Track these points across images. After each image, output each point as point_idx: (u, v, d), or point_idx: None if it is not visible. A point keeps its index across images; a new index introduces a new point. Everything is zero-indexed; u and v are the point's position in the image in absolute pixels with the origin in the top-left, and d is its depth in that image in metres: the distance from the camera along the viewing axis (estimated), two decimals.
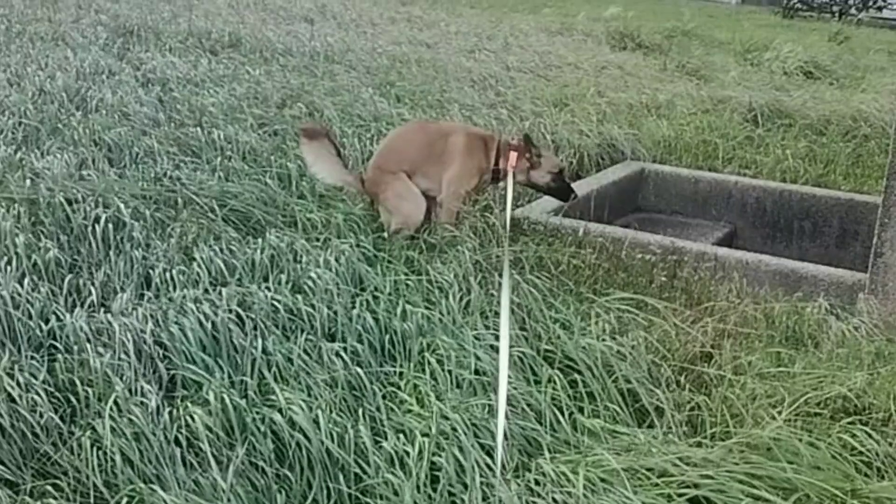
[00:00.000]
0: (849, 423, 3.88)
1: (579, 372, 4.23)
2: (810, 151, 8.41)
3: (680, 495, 3.34)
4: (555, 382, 4.10)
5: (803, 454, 3.54)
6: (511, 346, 4.32)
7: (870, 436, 3.78)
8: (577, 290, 5.27)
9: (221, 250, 5.06)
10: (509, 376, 4.04)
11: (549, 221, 6.43)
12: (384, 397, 3.96)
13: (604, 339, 4.45)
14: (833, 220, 7.29)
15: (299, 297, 4.57)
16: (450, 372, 4.12)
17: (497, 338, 4.39)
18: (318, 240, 5.36)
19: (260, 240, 5.19)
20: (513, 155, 5.77)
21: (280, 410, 3.67)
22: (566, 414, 3.94)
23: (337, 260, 5.00)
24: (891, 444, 3.80)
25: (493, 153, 5.85)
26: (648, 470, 3.47)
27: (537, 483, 3.40)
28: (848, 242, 7.20)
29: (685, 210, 7.90)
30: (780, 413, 3.85)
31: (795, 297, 5.39)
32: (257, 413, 3.69)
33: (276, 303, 4.51)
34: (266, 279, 4.84)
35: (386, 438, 3.60)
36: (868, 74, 13.27)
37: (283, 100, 8.35)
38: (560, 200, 6.19)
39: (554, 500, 3.28)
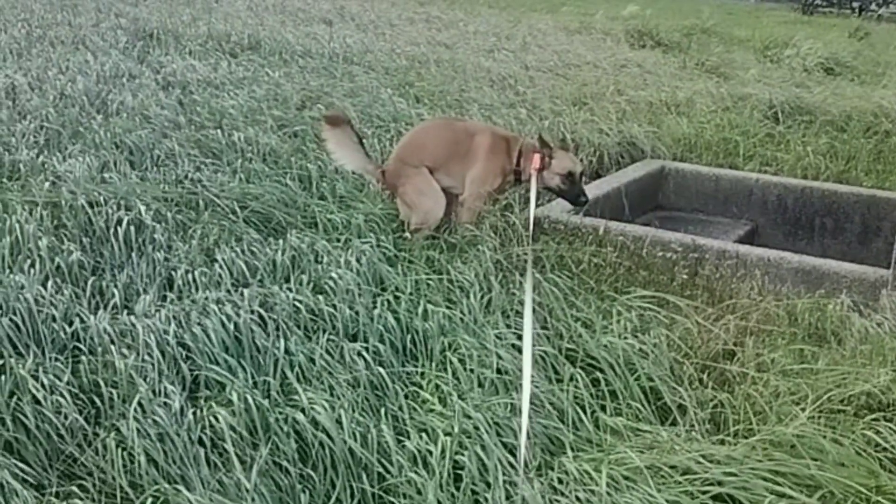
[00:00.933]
0: (873, 419, 3.86)
1: (601, 370, 4.23)
2: (831, 148, 8.37)
3: (703, 493, 3.33)
4: (577, 381, 4.10)
5: (828, 451, 3.52)
6: (533, 346, 4.32)
7: (894, 432, 3.76)
8: (598, 289, 5.27)
9: (243, 251, 5.08)
10: (532, 375, 4.04)
11: (569, 220, 6.42)
12: (406, 397, 3.97)
13: (625, 338, 4.45)
14: (855, 216, 7.24)
15: (321, 297, 4.58)
16: (471, 371, 4.12)
17: (519, 337, 4.40)
18: (338, 240, 5.38)
19: (281, 241, 5.21)
20: (536, 157, 5.71)
21: (303, 410, 3.68)
22: (588, 412, 3.94)
23: (358, 260, 5.01)
24: None
25: (515, 154, 5.83)
26: (672, 468, 3.47)
27: (560, 482, 3.40)
28: (870, 239, 7.15)
29: (706, 208, 7.87)
30: (803, 410, 3.83)
31: (818, 294, 5.36)
32: (280, 413, 3.70)
33: (297, 303, 4.52)
34: (287, 280, 4.85)
35: (409, 438, 3.61)
36: (889, 70, 13.20)
37: (302, 101, 8.37)
38: (570, 204, 6.09)
39: (577, 498, 3.28)
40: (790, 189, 7.55)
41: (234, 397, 3.71)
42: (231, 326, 4.25)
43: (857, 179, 7.67)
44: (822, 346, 4.68)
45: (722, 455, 3.52)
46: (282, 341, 4.18)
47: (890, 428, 3.78)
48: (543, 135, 5.92)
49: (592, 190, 7.23)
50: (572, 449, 3.67)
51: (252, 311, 4.39)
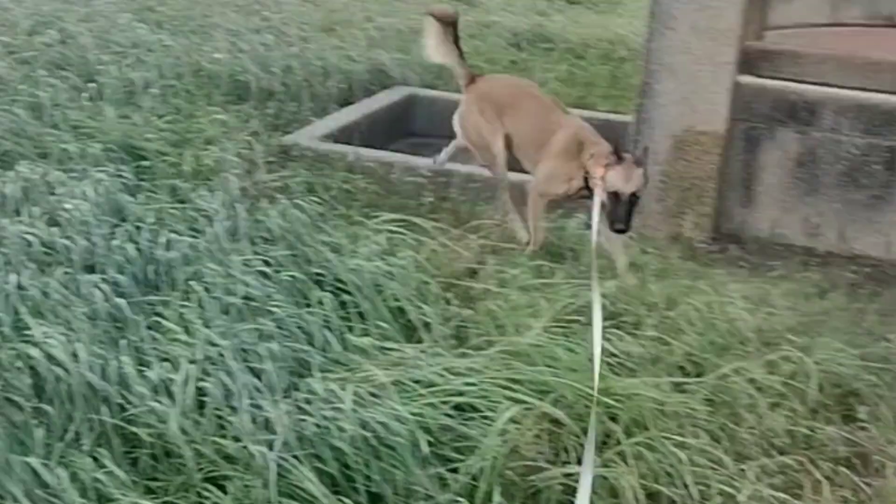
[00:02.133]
0: (604, 328, 4.09)
1: (349, 293, 4.27)
2: (571, 74, 8.66)
3: (446, 403, 3.44)
4: (325, 304, 4.12)
5: (561, 358, 3.70)
6: (279, 271, 4.32)
7: (622, 338, 4.00)
8: (347, 214, 5.31)
9: None
10: (279, 302, 4.05)
11: (318, 148, 6.40)
12: (149, 327, 3.88)
13: (373, 260, 4.50)
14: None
15: (55, 229, 4.41)
16: (217, 299, 4.07)
17: (266, 262, 4.39)
18: (74, 171, 5.16)
19: (11, 172, 4.95)
20: (599, 168, 4.80)
21: (37, 345, 3.53)
22: (336, 334, 3.98)
23: (95, 191, 4.83)
24: (642, 346, 4.04)
25: (586, 160, 4.94)
26: (416, 382, 3.56)
27: (307, 402, 3.42)
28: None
29: (455, 133, 7.98)
30: (539, 322, 4.00)
31: (558, 213, 5.58)
32: (12, 349, 3.54)
33: (29, 236, 4.33)
34: (18, 213, 4.63)
35: (151, 368, 3.53)
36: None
37: (33, 26, 7.92)
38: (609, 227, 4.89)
39: (324, 416, 3.31)
40: None
41: None
42: None
43: (595, 104, 7.97)
44: (560, 262, 4.90)
45: (463, 367, 3.65)
46: (13, 276, 3.99)
47: (617, 335, 4.01)
48: (620, 144, 4.91)
49: (343, 117, 7.25)
50: (320, 370, 3.70)
51: None
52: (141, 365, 3.57)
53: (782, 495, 3.34)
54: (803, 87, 5.80)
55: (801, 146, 5.79)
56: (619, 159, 4.73)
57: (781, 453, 3.61)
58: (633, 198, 4.72)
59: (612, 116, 7.54)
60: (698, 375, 3.97)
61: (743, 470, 3.44)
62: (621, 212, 4.70)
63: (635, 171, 4.70)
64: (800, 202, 5.86)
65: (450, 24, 5.54)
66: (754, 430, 3.69)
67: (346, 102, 7.65)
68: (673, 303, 4.49)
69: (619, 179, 4.69)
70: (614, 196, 4.69)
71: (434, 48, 5.65)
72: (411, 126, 8.07)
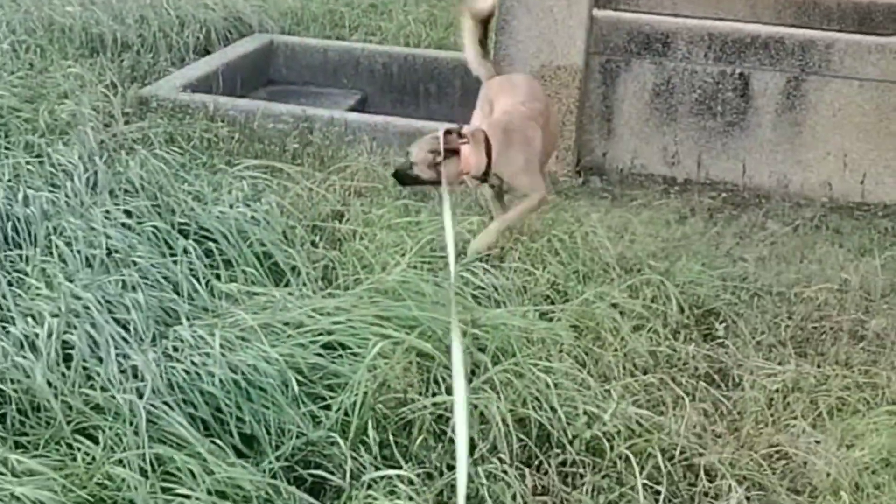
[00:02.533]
0: (470, 262, 4.17)
1: (215, 241, 4.24)
2: (431, 16, 8.66)
3: (314, 342, 3.47)
4: (190, 253, 4.09)
5: (427, 293, 3.76)
6: (142, 222, 4.27)
7: (487, 271, 4.08)
8: (210, 163, 5.26)
9: None
10: (143, 253, 4.01)
11: (177, 98, 6.30)
12: (10, 284, 3.80)
13: (238, 207, 4.48)
14: (455, 80, 7.59)
15: None
16: (79, 252, 4.00)
17: (128, 213, 4.33)
18: None
19: None
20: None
21: None
22: (203, 282, 3.95)
23: None
24: (507, 278, 4.13)
25: None
26: (285, 324, 3.57)
27: (175, 349, 3.41)
28: (470, 100, 7.51)
29: (316, 80, 7.95)
30: (404, 259, 4.05)
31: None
32: None
33: None
34: None
35: (14, 324, 3.47)
36: None
37: None
38: None
39: (193, 362, 3.30)
40: (395, 57, 7.78)
41: None
42: None
43: (456, 45, 7.99)
44: (425, 201, 4.95)
45: (332, 307, 3.67)
46: None
47: (484, 268, 4.09)
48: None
49: (202, 66, 7.14)
50: (188, 318, 3.68)
51: None
52: (3, 322, 3.51)
53: (646, 412, 3.47)
54: (657, 19, 5.95)
55: (656, 77, 5.95)
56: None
57: (644, 373, 3.76)
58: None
59: None
60: (563, 303, 4.08)
61: (608, 390, 3.56)
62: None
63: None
64: (658, 132, 6.03)
65: (482, 22, 5.05)
66: (618, 352, 3.82)
67: (204, 52, 7.54)
68: (536, 235, 4.59)
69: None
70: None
71: (469, 49, 5.06)
72: (271, 73, 8.00)
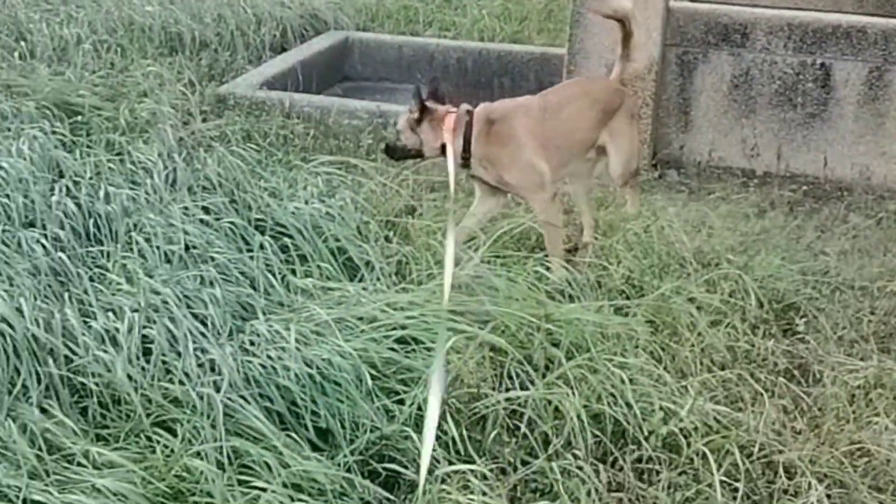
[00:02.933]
0: (543, 256, 4.15)
1: (290, 236, 4.29)
2: (505, 10, 8.63)
3: (388, 337, 3.48)
4: (266, 248, 4.14)
5: (500, 288, 3.75)
6: (220, 218, 4.33)
7: (562, 266, 4.05)
8: (286, 160, 5.31)
9: None
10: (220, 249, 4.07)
11: (254, 95, 6.38)
12: (91, 279, 3.88)
13: (313, 203, 4.52)
14: (529, 74, 7.56)
15: None
16: (158, 248, 4.07)
17: (206, 210, 4.39)
18: (9, 130, 5.11)
19: None
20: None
21: None
22: (279, 277, 4.00)
23: (31, 148, 4.79)
24: (581, 273, 4.10)
25: None
26: (359, 319, 3.60)
27: (252, 343, 3.45)
28: None
29: (391, 76, 7.98)
30: (476, 253, 4.04)
31: None
32: None
33: None
34: None
35: (95, 318, 3.54)
36: None
37: None
38: None
39: (269, 356, 3.34)
40: (469, 52, 7.77)
41: None
42: None
43: (530, 39, 7.98)
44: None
45: (405, 301, 3.69)
46: None
47: (558, 263, 4.07)
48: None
49: (278, 64, 7.21)
50: (264, 313, 3.73)
51: None
52: (85, 316, 3.58)
53: (723, 408, 3.41)
54: (735, 9, 5.84)
55: (735, 68, 5.85)
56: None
57: (722, 368, 3.70)
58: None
59: (549, 50, 7.57)
60: (639, 298, 4.04)
61: (685, 386, 3.52)
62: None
63: None
64: (736, 124, 5.93)
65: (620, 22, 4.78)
66: (695, 347, 3.77)
67: (281, 49, 7.61)
68: (612, 230, 4.55)
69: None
70: None
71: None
72: (347, 70, 8.05)
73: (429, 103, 4.35)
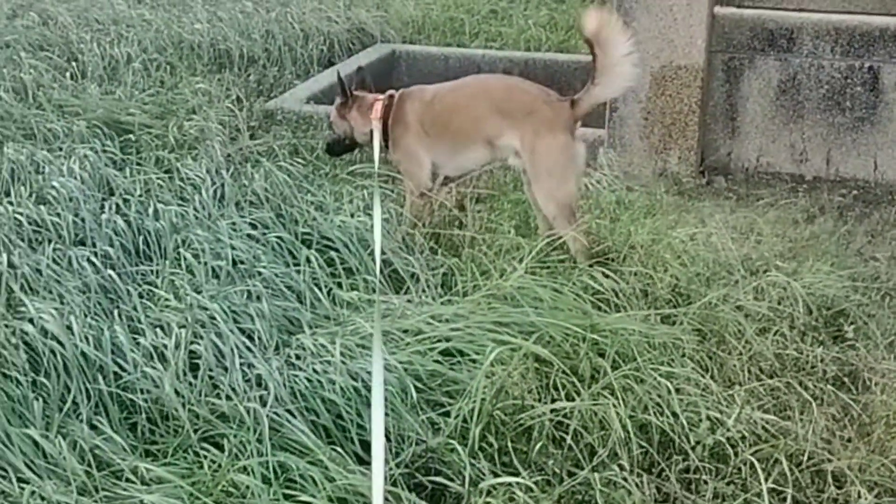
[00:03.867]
0: (588, 266, 4.13)
1: (336, 249, 4.32)
2: (551, 20, 8.64)
3: (433, 349, 3.49)
4: (312, 262, 4.17)
5: (545, 299, 3.74)
6: (266, 233, 4.37)
7: (607, 276, 4.04)
8: (332, 173, 5.34)
9: None
10: (266, 263, 4.10)
11: (302, 110, 6.43)
12: (140, 296, 3.93)
13: (358, 216, 4.54)
14: (576, 83, 7.52)
15: (43, 208, 4.45)
16: (205, 264, 4.12)
17: (253, 225, 4.43)
18: (60, 149, 5.21)
19: None
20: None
21: (31, 321, 3.58)
22: (325, 290, 4.03)
23: (81, 167, 4.87)
24: (626, 282, 4.08)
25: None
26: (404, 331, 3.61)
27: (297, 357, 3.48)
28: None
29: None
30: (521, 264, 4.03)
31: None
32: (7, 326, 3.59)
33: (18, 216, 4.37)
34: (8, 194, 4.67)
35: (144, 335, 3.59)
36: None
37: (13, 10, 7.93)
38: None
39: (315, 370, 3.36)
40: (515, 62, 7.79)
41: None
42: None
43: (577, 48, 7.96)
44: None
45: (450, 313, 3.69)
46: (4, 255, 4.04)
47: (602, 272, 4.05)
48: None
49: (326, 78, 7.26)
50: (310, 326, 3.75)
51: None
52: (134, 333, 3.62)
53: (772, 417, 3.37)
54: (781, 14, 5.80)
55: (782, 73, 5.80)
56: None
57: (770, 377, 3.65)
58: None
59: None
60: (685, 307, 4.01)
61: (732, 395, 3.48)
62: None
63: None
64: (784, 129, 5.89)
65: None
66: (742, 356, 3.73)
67: (328, 64, 7.67)
68: (658, 238, 4.52)
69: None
70: None
71: None
72: (394, 82, 8.07)
73: (357, 92, 4.77)
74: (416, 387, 3.31)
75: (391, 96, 4.70)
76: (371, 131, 4.61)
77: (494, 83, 4.78)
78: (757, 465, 3.10)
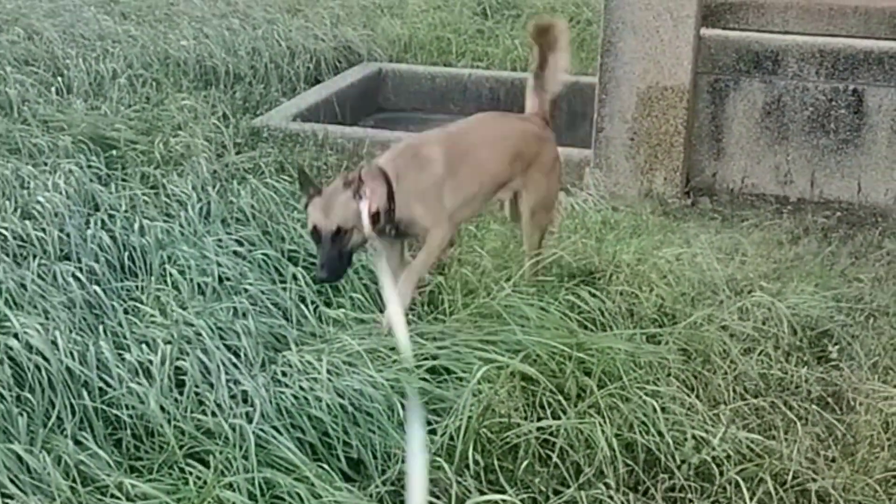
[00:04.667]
0: (574, 285, 4.14)
1: None
2: None
3: (420, 367, 3.49)
4: (299, 280, 4.16)
5: (531, 317, 3.75)
6: (252, 250, 4.37)
7: (594, 295, 4.05)
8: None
9: None
10: (252, 281, 4.09)
11: (288, 127, 6.44)
12: (126, 312, 3.92)
13: None
14: (562, 104, 7.56)
15: (28, 223, 4.44)
16: (191, 280, 4.11)
17: (240, 242, 4.42)
18: (45, 164, 5.19)
19: None
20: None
21: (16, 336, 3.57)
22: (311, 308, 4.02)
23: (66, 182, 4.86)
24: (613, 301, 4.09)
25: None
26: (391, 349, 3.60)
27: (284, 374, 3.48)
28: (577, 124, 7.49)
29: (424, 106, 8.04)
30: (508, 283, 4.04)
31: None
32: None
33: (3, 231, 4.36)
34: None
35: (129, 351, 3.58)
36: None
37: None
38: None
39: (301, 387, 3.36)
40: (501, 82, 7.83)
41: None
42: None
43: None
44: None
45: (436, 332, 3.70)
46: None
47: (589, 291, 4.06)
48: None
49: (312, 96, 7.27)
50: (297, 343, 3.75)
51: None
52: (119, 349, 3.61)
53: (756, 436, 3.39)
54: (766, 36, 5.85)
55: (767, 95, 5.84)
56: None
57: (755, 396, 3.67)
58: (337, 235, 3.69)
59: (581, 79, 7.56)
60: (671, 326, 4.02)
61: (717, 414, 3.50)
62: (320, 252, 3.74)
63: (337, 200, 3.72)
64: (769, 151, 5.92)
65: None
66: (727, 375, 3.75)
67: (315, 81, 7.68)
68: (643, 258, 4.54)
69: (314, 211, 3.75)
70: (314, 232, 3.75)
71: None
72: (380, 101, 8.12)
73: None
74: (402, 404, 3.30)
75: (379, 168, 3.93)
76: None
77: (509, 129, 4.46)
78: (742, 484, 3.12)
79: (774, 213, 5.64)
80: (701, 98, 5.90)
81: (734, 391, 3.68)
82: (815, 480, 3.20)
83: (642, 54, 5.68)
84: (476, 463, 3.15)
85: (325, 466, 3.11)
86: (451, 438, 3.22)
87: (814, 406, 3.64)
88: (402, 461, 3.16)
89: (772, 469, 3.20)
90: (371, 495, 3.06)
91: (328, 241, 3.68)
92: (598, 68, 5.81)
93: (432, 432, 3.28)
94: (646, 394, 3.42)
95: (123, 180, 5.12)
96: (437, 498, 3.06)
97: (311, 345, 3.72)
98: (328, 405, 3.29)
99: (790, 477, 3.20)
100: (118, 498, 2.96)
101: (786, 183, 5.92)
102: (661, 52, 5.64)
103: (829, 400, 3.72)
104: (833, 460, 3.36)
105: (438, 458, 3.14)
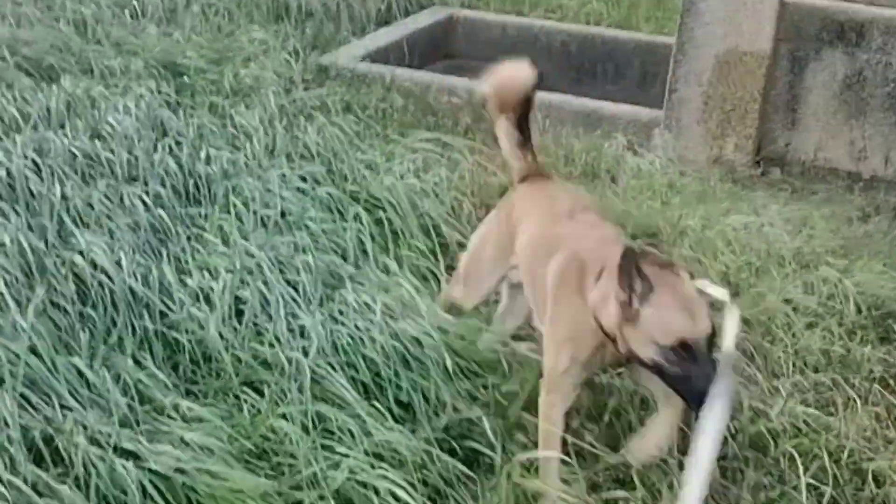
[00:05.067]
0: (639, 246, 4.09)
1: (384, 209, 4.30)
2: None
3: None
4: (360, 220, 4.15)
5: None
6: (316, 187, 4.36)
7: None
8: (383, 133, 5.32)
9: (14, 98, 4.85)
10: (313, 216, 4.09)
11: (356, 67, 6.39)
12: (189, 239, 3.93)
13: (408, 178, 4.52)
14: (635, 61, 7.46)
15: (97, 143, 4.45)
16: (255, 213, 4.12)
17: (303, 178, 4.42)
18: (116, 86, 5.21)
19: (55, 87, 4.99)
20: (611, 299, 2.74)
21: (81, 253, 3.59)
22: (370, 249, 4.01)
23: (137, 106, 4.87)
24: None
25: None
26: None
27: (340, 312, 3.47)
28: (649, 83, 7.37)
29: (494, 56, 7.91)
30: None
31: (596, 134, 5.55)
32: (57, 256, 3.60)
33: (73, 149, 4.38)
34: (63, 126, 4.68)
35: (191, 276, 3.59)
36: None
37: None
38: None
39: (356, 326, 3.36)
40: (573, 36, 7.69)
41: (7, 239, 3.56)
42: (2, 173, 4.08)
43: (638, 26, 7.84)
44: (595, 183, 4.89)
45: None
46: (57, 187, 4.05)
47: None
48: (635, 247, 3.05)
49: (382, 37, 7.22)
50: (353, 283, 3.74)
51: (25, 157, 4.22)
52: (181, 274, 3.63)
53: (814, 412, 3.34)
54: (853, 7, 5.68)
55: (848, 68, 5.69)
56: (640, 277, 2.66)
57: (816, 372, 3.62)
58: (711, 342, 2.68)
59: (656, 38, 7.45)
60: (734, 295, 3.96)
61: (776, 387, 3.46)
62: (700, 367, 2.64)
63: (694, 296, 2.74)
64: (846, 125, 5.77)
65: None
66: (788, 349, 3.70)
67: (384, 23, 7.61)
68: (709, 225, 4.47)
69: (682, 320, 2.65)
70: (683, 347, 2.63)
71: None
72: (449, 47, 8.03)
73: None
74: (456, 353, 3.29)
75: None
76: None
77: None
78: (797, 457, 3.08)
79: (846, 189, 5.52)
80: (779, 66, 5.76)
81: (794, 365, 3.63)
82: (871, 460, 3.16)
83: (724, 17, 5.55)
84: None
85: (377, 405, 3.11)
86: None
87: (875, 385, 3.59)
88: (453, 410, 3.15)
89: (828, 445, 3.17)
90: (420, 438, 3.06)
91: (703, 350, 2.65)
92: (678, 28, 5.69)
93: (484, 387, 3.27)
94: None
95: (192, 108, 5.12)
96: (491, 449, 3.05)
97: (367, 286, 3.71)
98: (382, 347, 3.28)
99: (846, 455, 3.17)
100: (174, 419, 2.98)
101: (860, 159, 5.78)
102: (744, 15, 5.51)
103: (891, 381, 3.66)
104: (891, 441, 3.31)
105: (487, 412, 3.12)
